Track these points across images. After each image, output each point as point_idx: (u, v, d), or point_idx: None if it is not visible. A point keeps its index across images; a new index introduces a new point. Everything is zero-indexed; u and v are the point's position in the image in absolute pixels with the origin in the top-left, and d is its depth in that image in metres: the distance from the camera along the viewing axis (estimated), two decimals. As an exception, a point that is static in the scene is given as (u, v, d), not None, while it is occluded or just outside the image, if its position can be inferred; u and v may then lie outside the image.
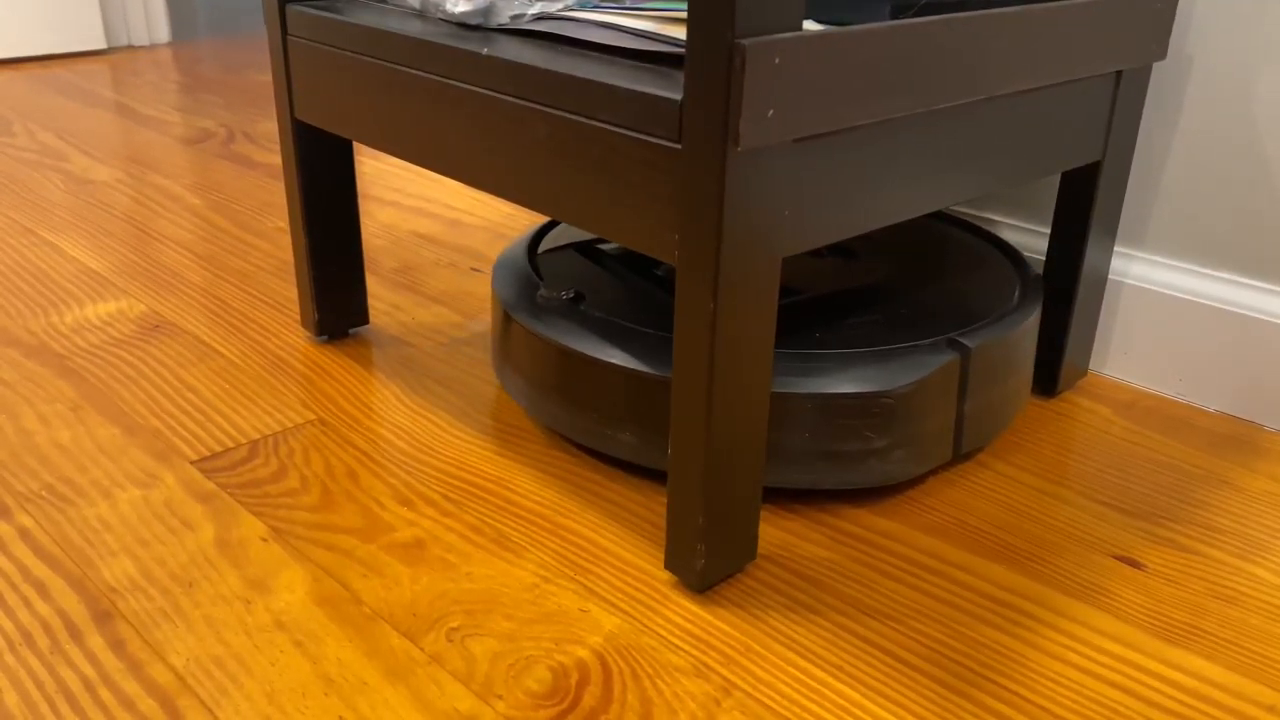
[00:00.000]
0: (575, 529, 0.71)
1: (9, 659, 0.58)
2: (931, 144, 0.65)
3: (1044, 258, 0.89)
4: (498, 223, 1.30)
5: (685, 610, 0.64)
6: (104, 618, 0.62)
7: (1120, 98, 0.79)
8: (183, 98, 1.86)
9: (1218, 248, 0.86)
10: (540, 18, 0.72)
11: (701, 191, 0.55)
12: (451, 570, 0.67)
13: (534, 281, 0.83)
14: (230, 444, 0.80)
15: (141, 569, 0.66)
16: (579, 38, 0.67)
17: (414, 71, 0.72)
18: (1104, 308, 0.91)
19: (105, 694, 0.56)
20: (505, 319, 0.81)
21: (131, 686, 0.57)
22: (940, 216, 0.99)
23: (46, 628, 0.61)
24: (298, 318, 1.01)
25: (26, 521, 0.70)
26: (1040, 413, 0.87)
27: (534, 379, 0.79)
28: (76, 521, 0.70)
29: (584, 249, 0.90)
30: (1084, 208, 0.83)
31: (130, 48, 2.27)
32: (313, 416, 0.84)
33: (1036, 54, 0.68)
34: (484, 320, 1.02)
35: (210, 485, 0.75)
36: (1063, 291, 0.86)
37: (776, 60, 0.52)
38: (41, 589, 0.64)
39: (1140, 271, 0.90)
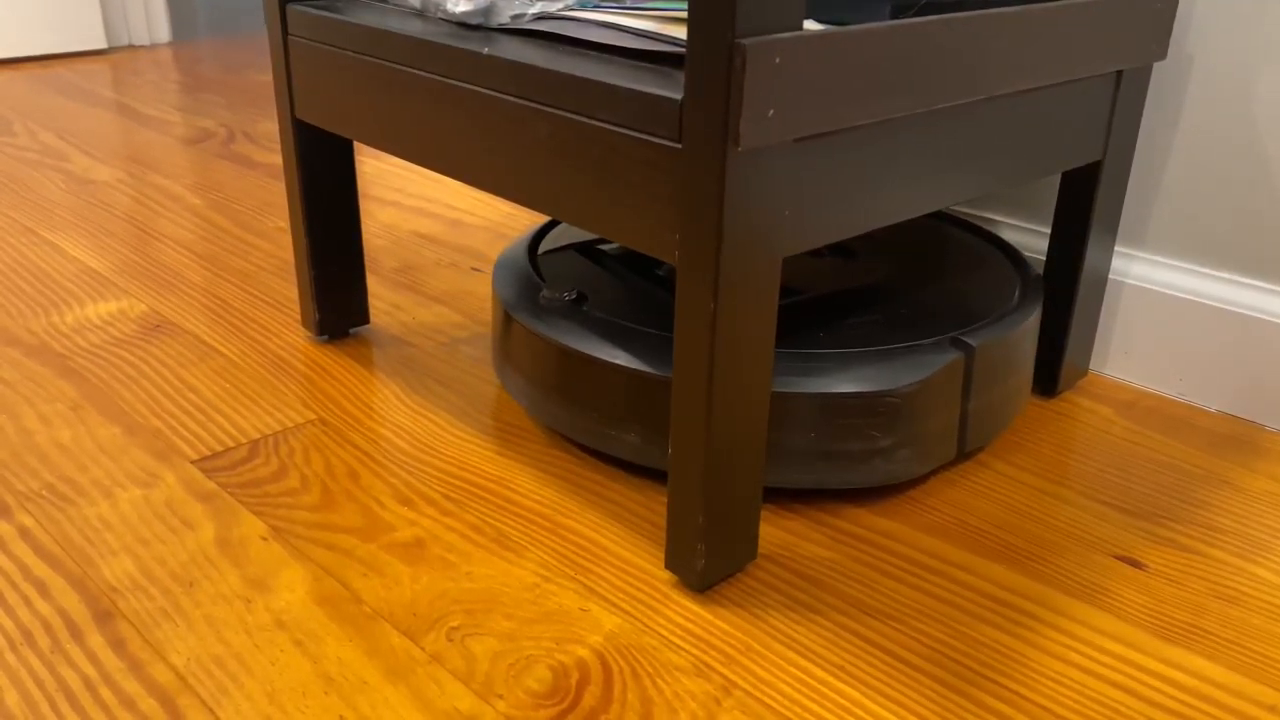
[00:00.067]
0: (576, 528, 0.71)
1: (9, 658, 0.58)
2: (931, 144, 0.65)
3: (1044, 258, 0.89)
4: (498, 222, 1.30)
5: (686, 610, 0.64)
6: (104, 617, 0.62)
7: (1120, 98, 0.79)
8: (183, 97, 1.86)
9: (1218, 248, 0.86)
10: (541, 17, 0.72)
11: (702, 191, 0.55)
12: (452, 570, 0.67)
13: (534, 281, 0.83)
14: (231, 443, 0.80)
15: (142, 568, 0.66)
16: (579, 37, 0.67)
17: (414, 71, 0.72)
18: (1104, 308, 0.91)
19: (106, 693, 0.56)
20: (506, 319, 0.81)
21: (132, 686, 0.57)
22: (940, 216, 0.99)
23: (47, 627, 0.61)
24: (298, 317, 1.01)
25: (27, 521, 0.70)
26: (1041, 413, 0.87)
27: (535, 379, 0.79)
28: (77, 521, 0.70)
29: (584, 249, 0.90)
30: (1084, 207, 0.83)
31: (131, 47, 2.27)
32: (313, 416, 0.84)
33: (1036, 54, 0.68)
34: (484, 320, 1.02)
35: (211, 485, 0.75)
36: (1063, 291, 0.86)
37: (777, 60, 0.52)
38: (42, 588, 0.64)
39: (1141, 271, 0.90)
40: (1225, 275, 0.86)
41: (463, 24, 0.74)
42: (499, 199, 1.38)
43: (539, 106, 0.63)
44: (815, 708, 0.57)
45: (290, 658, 0.59)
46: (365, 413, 0.85)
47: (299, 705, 0.56)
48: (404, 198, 1.39)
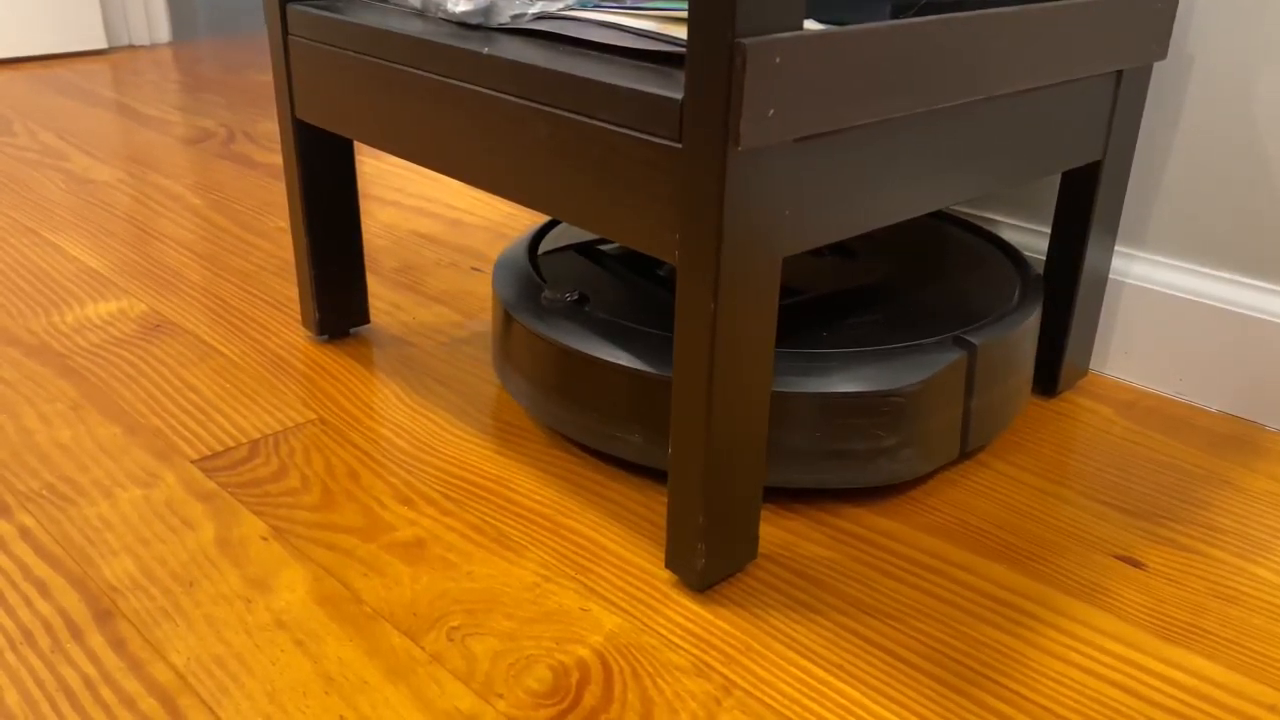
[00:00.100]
0: (576, 528, 0.71)
1: (10, 658, 0.58)
2: (931, 144, 0.65)
3: (1044, 257, 0.89)
4: (498, 222, 1.30)
5: (686, 609, 0.64)
6: (105, 616, 0.62)
7: (1121, 97, 0.79)
8: (183, 97, 1.86)
9: (1218, 247, 0.86)
10: (541, 17, 0.72)
11: (702, 191, 0.55)
12: (452, 569, 0.67)
13: (535, 281, 0.83)
14: (231, 443, 0.80)
15: (142, 568, 0.66)
16: (580, 37, 0.67)
17: (415, 71, 0.72)
18: (1104, 307, 0.91)
19: (106, 693, 0.56)
20: (506, 318, 0.81)
21: (132, 685, 0.57)
22: (940, 216, 0.99)
23: (47, 626, 0.61)
24: (298, 317, 1.01)
25: (27, 520, 0.70)
26: (1041, 413, 0.87)
27: (535, 379, 0.79)
28: (77, 520, 0.70)
29: (584, 250, 0.90)
30: (1084, 207, 0.83)
31: (131, 47, 2.27)
32: (313, 416, 0.84)
33: (1036, 54, 0.68)
34: (484, 320, 1.02)
35: (211, 484, 0.75)
36: (1063, 291, 0.86)
37: (777, 60, 0.52)
38: (42, 588, 0.64)
39: (1141, 271, 0.90)
40: (1225, 275, 0.86)
41: (463, 24, 0.74)
42: (499, 199, 1.39)
43: (539, 106, 0.63)
44: (815, 707, 0.57)
45: (290, 657, 0.59)
46: (365, 412, 0.85)
47: (299, 705, 0.56)
48: (404, 197, 1.39)
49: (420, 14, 0.78)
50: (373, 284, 1.10)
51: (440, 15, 0.76)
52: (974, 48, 0.63)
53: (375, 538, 0.69)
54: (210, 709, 0.55)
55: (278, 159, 1.51)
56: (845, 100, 0.57)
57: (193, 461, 0.77)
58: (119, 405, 0.85)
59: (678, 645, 0.61)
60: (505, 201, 1.38)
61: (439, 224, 1.29)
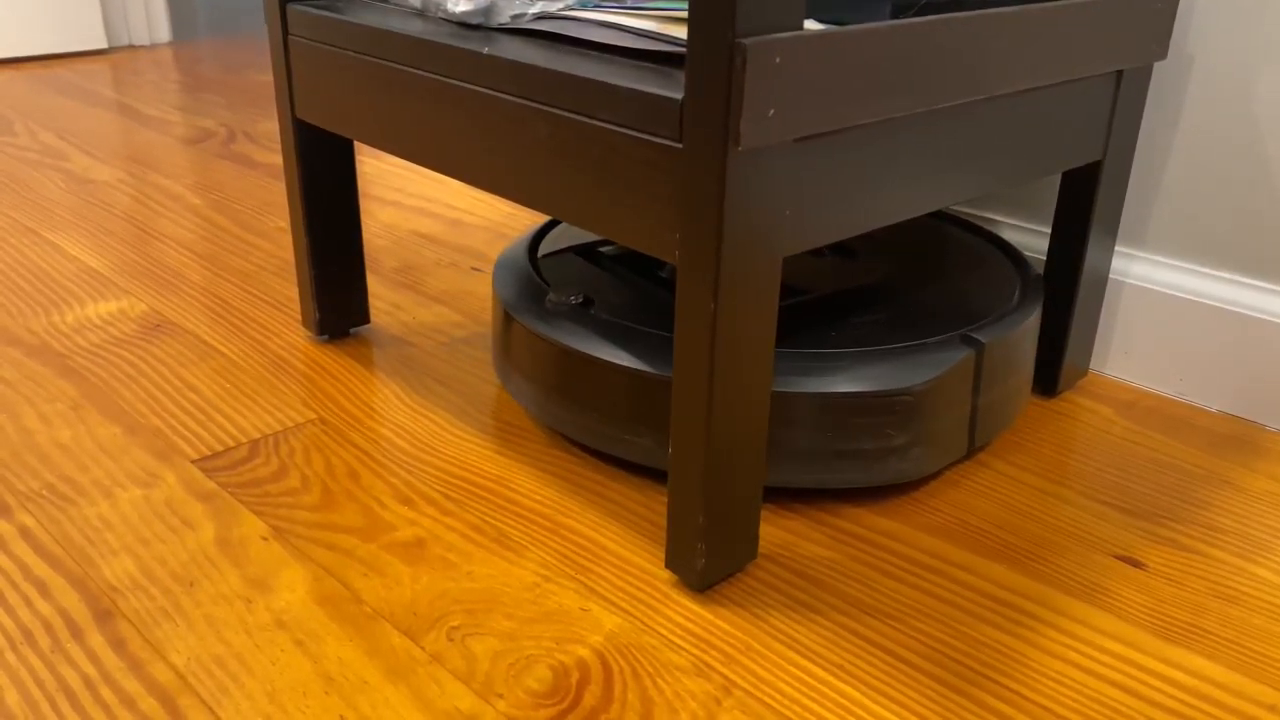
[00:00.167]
0: (576, 528, 0.71)
1: (10, 657, 0.58)
2: (932, 144, 0.65)
3: (1044, 257, 0.89)
4: (499, 222, 1.30)
5: (686, 609, 0.64)
6: (105, 616, 0.62)
7: (1121, 97, 0.79)
8: (183, 97, 1.86)
9: (1218, 248, 0.86)
10: (541, 17, 0.72)
11: (702, 191, 0.55)
12: (452, 569, 0.67)
13: (535, 282, 0.83)
14: (231, 443, 0.80)
15: (142, 568, 0.66)
16: (580, 37, 0.67)
17: (415, 71, 0.72)
18: (1105, 307, 0.91)
19: (106, 692, 0.56)
20: (506, 319, 0.81)
21: (132, 685, 0.57)
22: (940, 216, 0.99)
23: (47, 626, 0.61)
24: (298, 317, 1.01)
25: (27, 520, 0.70)
26: (1041, 412, 0.87)
27: (535, 379, 0.79)
28: (77, 520, 0.70)
29: (584, 252, 0.90)
30: (1085, 207, 0.83)
31: (131, 47, 2.27)
32: (313, 416, 0.84)
33: (1037, 54, 0.68)
34: (484, 320, 1.02)
35: (211, 484, 0.75)
36: (1063, 291, 0.86)
37: (777, 60, 0.52)
38: (42, 588, 0.64)
39: (1141, 271, 0.90)
40: (1225, 275, 0.86)
41: (463, 24, 0.74)
42: (499, 199, 1.39)
43: (539, 106, 0.63)
44: (815, 707, 0.57)
45: (291, 657, 0.59)
46: (365, 412, 0.85)
47: (299, 705, 0.56)
48: (404, 197, 1.39)
49: (420, 14, 0.78)
50: (373, 284, 1.10)
51: (440, 15, 0.76)
52: (974, 48, 0.63)
53: (375, 538, 0.69)
54: (210, 709, 0.55)
55: (278, 159, 1.51)
56: (845, 100, 0.57)
57: (193, 461, 0.77)
58: (119, 405, 0.85)
59: (678, 645, 0.61)
60: (505, 201, 1.38)
61: (439, 224, 1.29)
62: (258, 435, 0.81)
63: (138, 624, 0.61)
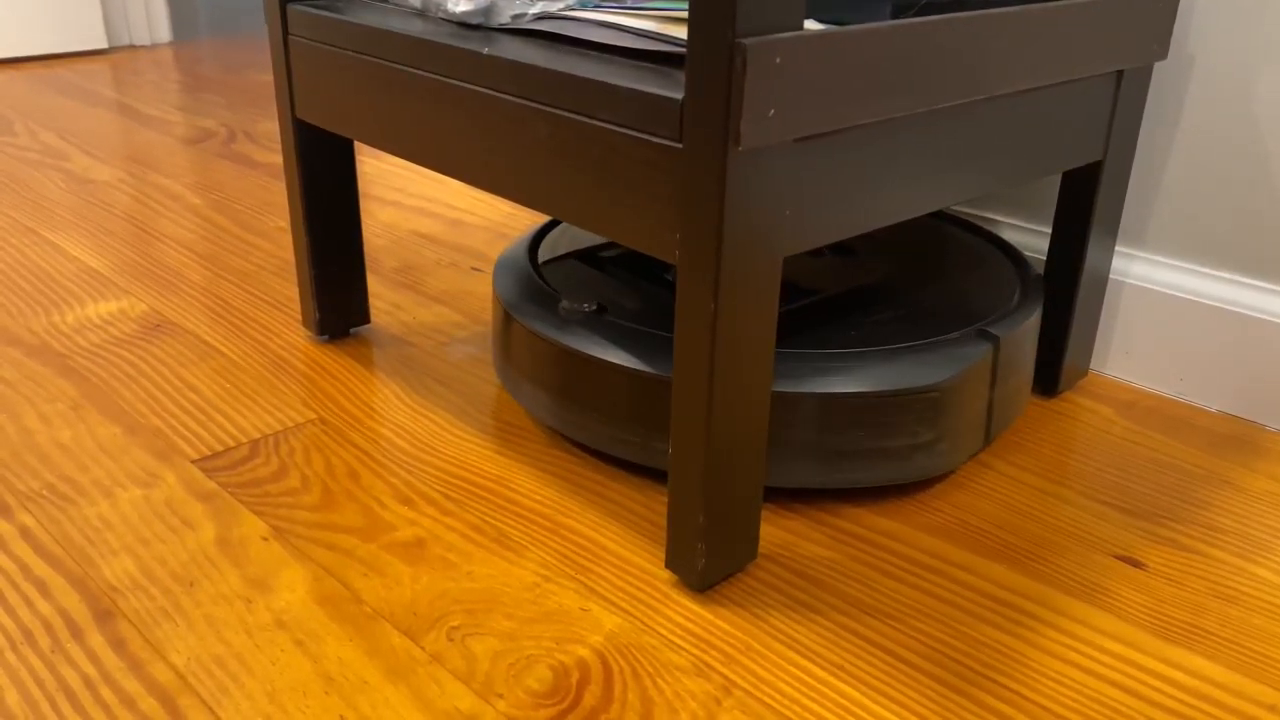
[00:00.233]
0: (576, 528, 0.71)
1: (10, 657, 0.58)
2: (932, 144, 0.65)
3: (1044, 257, 0.89)
4: (499, 222, 1.30)
5: (686, 609, 0.64)
6: (105, 616, 0.62)
7: (1121, 97, 0.79)
8: (184, 97, 1.86)
9: (1218, 247, 0.86)
10: (541, 17, 0.72)
11: (702, 191, 0.55)
12: (452, 569, 0.67)
13: (535, 282, 0.83)
14: (231, 443, 0.80)
15: (142, 568, 0.66)
16: (580, 37, 0.67)
17: (415, 71, 0.72)
18: (1105, 307, 0.91)
19: (106, 692, 0.56)
20: (506, 319, 0.81)
21: (132, 685, 0.57)
22: (940, 216, 0.99)
23: (47, 626, 0.61)
24: (299, 317, 1.01)
25: (28, 520, 0.70)
26: (1041, 413, 0.87)
27: (535, 379, 0.79)
28: (77, 520, 0.70)
29: (586, 258, 0.90)
30: (1085, 207, 0.83)
31: (131, 47, 2.27)
32: (313, 416, 0.84)
33: (1037, 54, 0.68)
34: (484, 320, 1.02)
35: (211, 484, 0.75)
36: (1063, 291, 0.86)
37: (777, 60, 0.52)
38: (42, 588, 0.64)
39: (1141, 271, 0.90)
40: (1225, 275, 0.86)
41: (463, 24, 0.74)
42: (499, 199, 1.39)
43: (539, 106, 0.63)
44: (815, 707, 0.57)
45: (291, 657, 0.59)
46: (365, 412, 0.85)
47: (299, 705, 0.56)
48: (404, 197, 1.39)
49: (420, 14, 0.78)
50: (373, 284, 1.10)
51: (440, 15, 0.76)
52: (974, 48, 0.63)
53: (375, 538, 0.69)
54: (210, 709, 0.55)
55: (278, 159, 1.51)
56: (845, 100, 0.57)
57: (193, 461, 0.77)
58: (119, 405, 0.85)
59: (678, 645, 0.61)
60: (505, 201, 1.38)
61: (439, 224, 1.29)
62: (258, 435, 0.81)
63: (138, 624, 0.61)
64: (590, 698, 0.57)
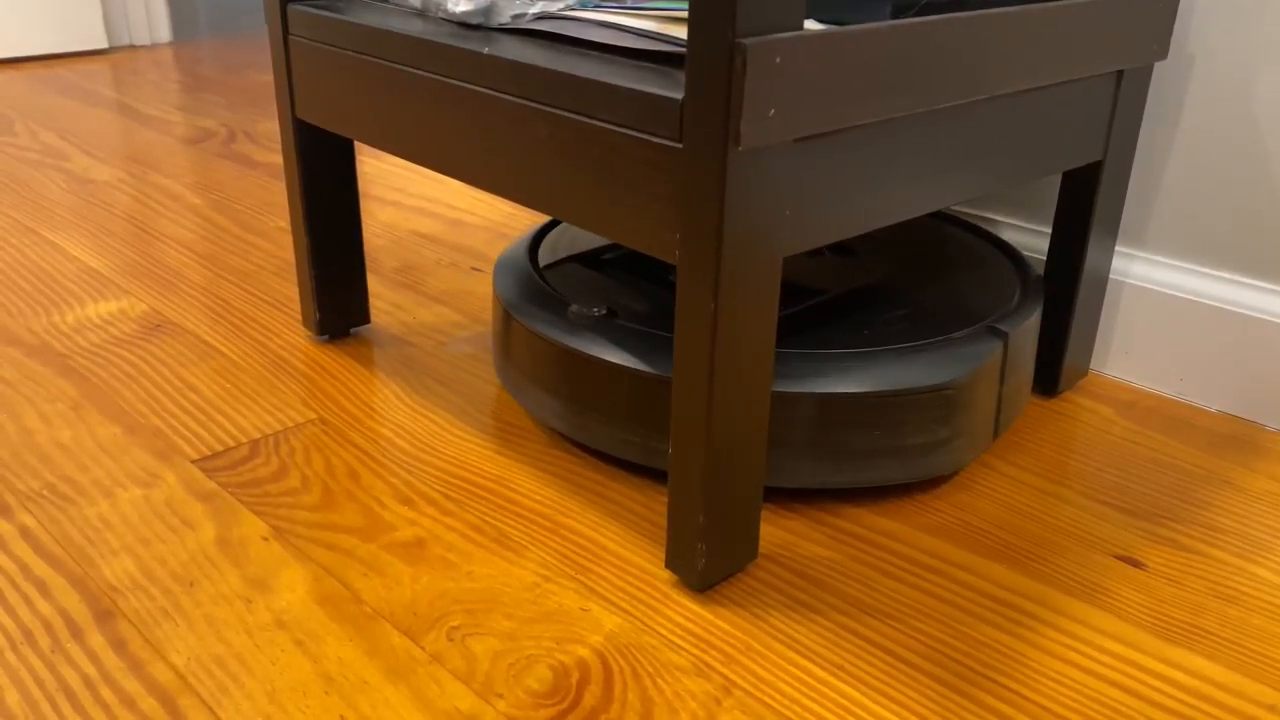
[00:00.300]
0: (576, 528, 0.71)
1: (10, 657, 0.58)
2: (932, 144, 0.65)
3: (1044, 257, 0.89)
4: (499, 222, 1.30)
5: (686, 609, 0.64)
6: (105, 616, 0.62)
7: (1121, 97, 0.79)
8: (184, 97, 1.86)
9: (1218, 247, 0.86)
10: (541, 17, 0.72)
11: (702, 191, 0.55)
12: (452, 569, 0.67)
13: (536, 282, 0.83)
14: (231, 443, 0.80)
15: (142, 568, 0.66)
16: (580, 37, 0.67)
17: (415, 71, 0.72)
18: (1105, 307, 0.91)
19: (106, 692, 0.56)
20: (506, 319, 0.81)
21: (132, 685, 0.57)
22: (940, 216, 0.99)
23: (47, 626, 0.61)
24: (299, 317, 1.01)
25: (28, 520, 0.70)
26: (1041, 413, 0.87)
27: (535, 379, 0.79)
28: (77, 520, 0.70)
29: (587, 261, 0.90)
30: (1085, 207, 0.83)
31: (131, 47, 2.27)
32: (314, 416, 0.84)
33: (1037, 54, 0.68)
34: (484, 320, 1.02)
35: (211, 484, 0.75)
36: (1063, 291, 0.86)
37: (777, 60, 0.52)
38: (42, 588, 0.64)
39: (1141, 271, 0.90)
40: (1225, 275, 0.86)
41: (463, 24, 0.74)
42: (499, 199, 1.39)
43: (539, 106, 0.63)
44: (815, 707, 0.57)
45: (291, 657, 0.59)
46: (365, 412, 0.85)
47: (299, 705, 0.56)
48: (404, 197, 1.39)
49: (420, 14, 0.78)
50: (373, 284, 1.10)
51: (440, 15, 0.76)
52: (974, 48, 0.63)
53: (375, 538, 0.69)
54: (210, 709, 0.55)
55: (278, 159, 1.51)
56: (845, 100, 0.57)
57: (193, 461, 0.77)
58: (119, 405, 0.85)
59: (678, 645, 0.61)
60: (505, 201, 1.38)
61: (439, 224, 1.29)
62: (258, 435, 0.81)
63: (138, 624, 0.61)
64: (590, 698, 0.57)
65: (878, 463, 0.71)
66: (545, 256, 0.90)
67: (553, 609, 0.63)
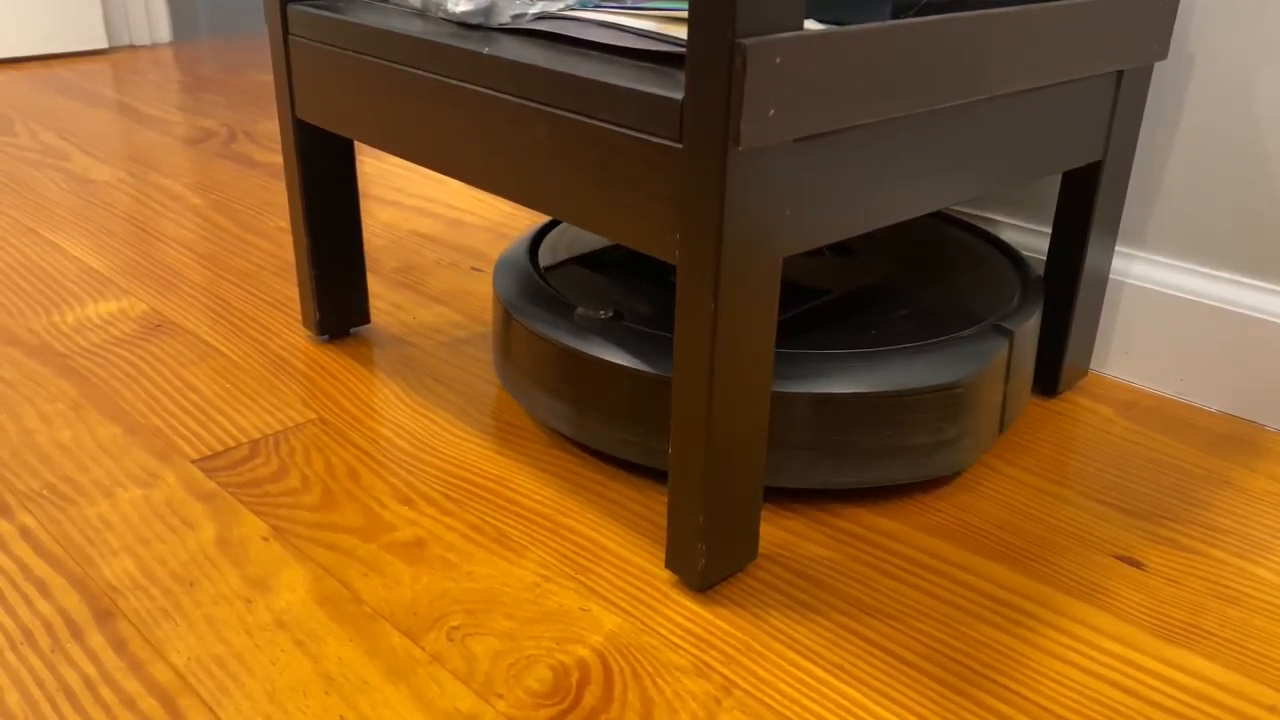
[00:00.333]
0: (576, 528, 0.71)
1: (10, 657, 0.58)
2: (932, 144, 0.65)
3: (1044, 257, 0.89)
4: (499, 222, 1.30)
5: (686, 609, 0.64)
6: (105, 616, 0.62)
7: (1121, 97, 0.79)
8: (184, 97, 1.86)
9: (1218, 247, 0.86)
10: (541, 17, 0.72)
11: (702, 191, 0.55)
12: (452, 569, 0.67)
13: (536, 282, 0.83)
14: (231, 443, 0.80)
15: (142, 568, 0.66)
16: (580, 37, 0.67)
17: (415, 71, 0.72)
18: (1105, 308, 0.91)
19: (106, 692, 0.56)
20: (506, 319, 0.81)
21: (132, 685, 0.57)
22: (940, 216, 0.99)
23: (48, 626, 0.61)
24: (299, 317, 1.01)
25: (28, 520, 0.70)
26: (1041, 413, 0.87)
27: (536, 379, 0.78)
28: (77, 520, 0.70)
29: (588, 263, 0.90)
30: (1085, 207, 0.83)
31: (131, 47, 2.27)
32: (314, 416, 0.84)
33: (1037, 54, 0.68)
34: (484, 320, 1.02)
35: (211, 484, 0.75)
36: (1063, 291, 0.86)
37: (777, 60, 0.52)
38: (43, 588, 0.64)
39: (1141, 271, 0.90)
40: (1225, 275, 0.86)
41: (463, 24, 0.74)
42: (499, 199, 1.39)
43: (539, 106, 0.63)
44: (815, 708, 0.57)
45: (290, 657, 0.59)
46: (366, 412, 0.85)
47: (299, 705, 0.56)
48: (404, 197, 1.39)
49: (420, 14, 0.78)
50: (373, 284, 1.10)
51: (440, 15, 0.76)
52: (974, 48, 0.63)
53: (375, 538, 0.69)
54: (210, 709, 0.55)
55: (278, 159, 1.51)
56: (845, 100, 0.57)
57: (193, 461, 0.77)
58: (119, 405, 0.85)
59: (678, 645, 0.61)
60: (505, 201, 1.38)
61: (439, 224, 1.29)
62: (258, 435, 0.81)
63: (138, 624, 0.61)
64: (590, 698, 0.57)
65: (886, 462, 0.71)
66: (545, 257, 0.90)
67: (553, 609, 0.63)
